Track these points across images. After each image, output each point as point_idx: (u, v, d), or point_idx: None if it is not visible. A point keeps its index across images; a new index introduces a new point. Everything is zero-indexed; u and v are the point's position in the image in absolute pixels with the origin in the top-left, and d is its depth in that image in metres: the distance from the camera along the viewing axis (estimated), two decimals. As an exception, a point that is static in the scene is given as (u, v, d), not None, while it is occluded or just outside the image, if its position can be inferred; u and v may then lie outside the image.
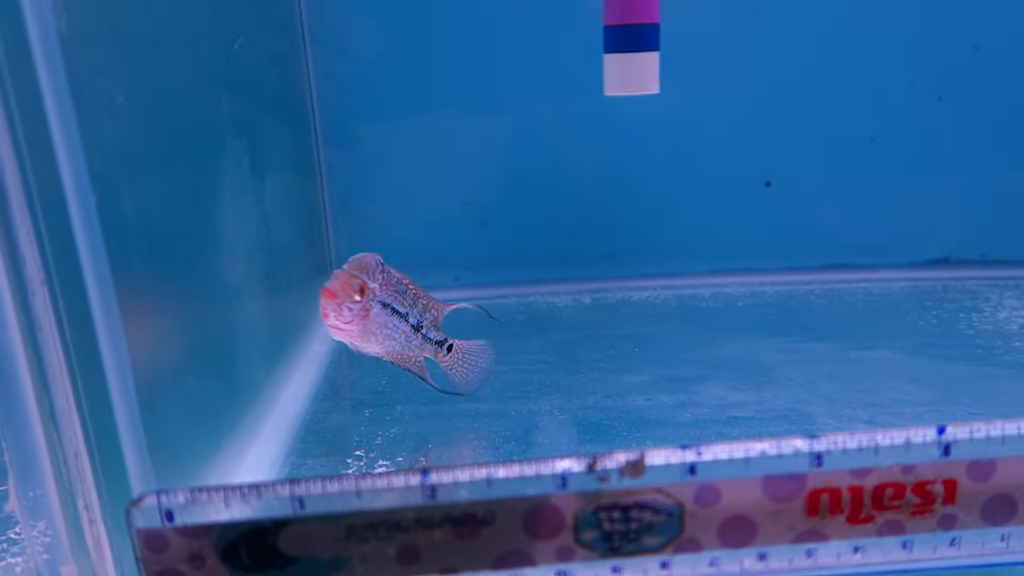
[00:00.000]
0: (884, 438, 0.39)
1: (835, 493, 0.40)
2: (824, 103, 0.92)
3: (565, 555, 0.40)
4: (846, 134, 0.94)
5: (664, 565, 0.41)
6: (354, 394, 0.69)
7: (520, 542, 0.40)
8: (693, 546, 0.40)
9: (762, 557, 0.41)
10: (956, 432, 0.39)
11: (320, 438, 0.61)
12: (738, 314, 0.86)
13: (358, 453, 0.58)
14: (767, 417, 0.61)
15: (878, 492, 0.40)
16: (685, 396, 0.66)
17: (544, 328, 0.83)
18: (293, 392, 0.68)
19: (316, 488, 0.38)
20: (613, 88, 0.76)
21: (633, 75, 0.75)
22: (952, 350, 0.72)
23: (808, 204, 0.96)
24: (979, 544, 0.41)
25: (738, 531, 0.40)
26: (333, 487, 0.38)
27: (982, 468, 0.40)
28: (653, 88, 0.76)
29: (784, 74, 0.91)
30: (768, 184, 0.96)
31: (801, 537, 0.41)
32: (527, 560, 0.40)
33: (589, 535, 0.40)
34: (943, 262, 0.97)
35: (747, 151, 0.95)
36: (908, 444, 0.39)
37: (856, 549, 0.41)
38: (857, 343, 0.75)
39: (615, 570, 0.41)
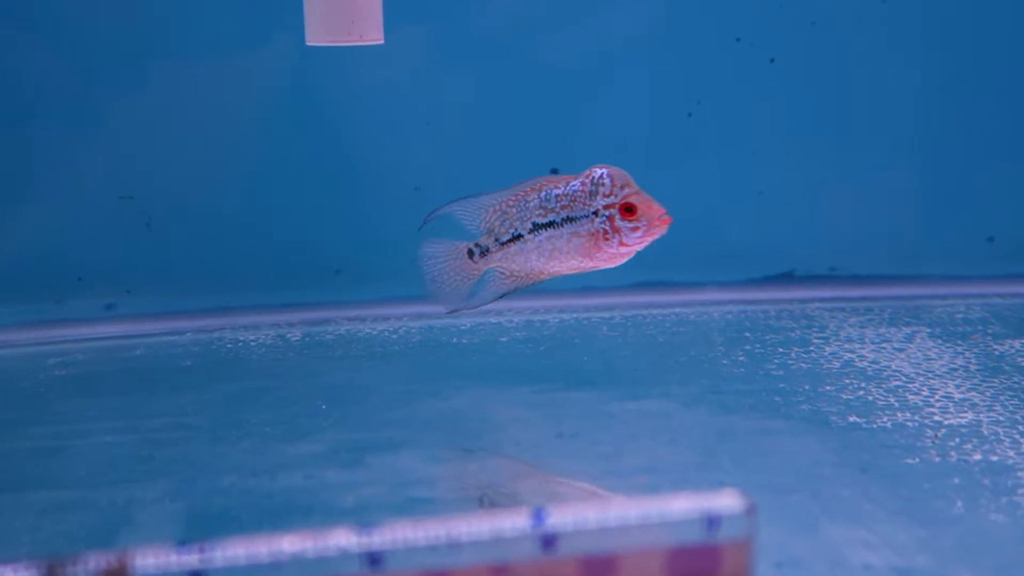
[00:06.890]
0: (465, 529, 0.40)
1: (403, 607, 0.40)
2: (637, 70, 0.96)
3: None
4: (656, 107, 0.97)
5: None
6: None
7: None
8: None
9: None
10: (560, 520, 0.40)
11: None
12: (494, 353, 0.87)
13: None
14: (456, 498, 0.62)
15: (465, 603, 0.40)
16: (362, 471, 0.65)
17: (213, 378, 0.82)
18: None
19: None
20: (316, 36, 0.76)
21: (344, 17, 0.75)
22: (742, 398, 0.75)
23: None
24: (614, 669, 0.42)
25: (272, 666, 0.40)
26: None
27: (600, 566, 0.41)
28: (375, 36, 0.77)
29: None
30: (554, 172, 0.98)
31: (364, 671, 0.41)
32: None
33: None
34: (786, 277, 1.01)
35: (529, 135, 0.97)
36: (498, 539, 0.40)
37: None
38: (627, 391, 0.77)
39: None
